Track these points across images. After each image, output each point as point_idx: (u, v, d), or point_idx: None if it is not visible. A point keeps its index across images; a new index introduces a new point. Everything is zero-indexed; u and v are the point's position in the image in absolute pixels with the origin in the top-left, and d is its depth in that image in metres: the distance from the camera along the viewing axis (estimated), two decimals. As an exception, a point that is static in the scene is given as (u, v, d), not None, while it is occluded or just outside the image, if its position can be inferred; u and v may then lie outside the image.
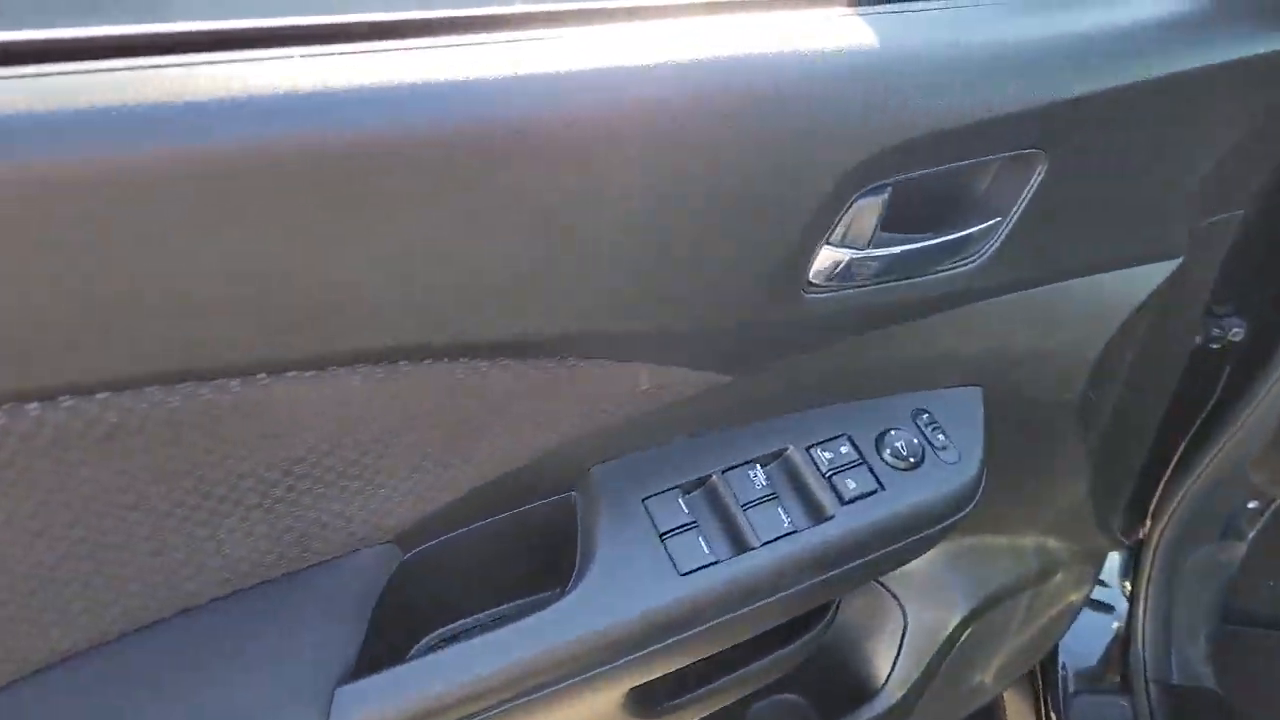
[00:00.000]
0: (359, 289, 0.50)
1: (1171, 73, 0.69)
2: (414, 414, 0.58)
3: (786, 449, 0.73)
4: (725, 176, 0.57)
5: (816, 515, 0.71)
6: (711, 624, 0.67)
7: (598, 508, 0.68)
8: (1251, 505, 1.27)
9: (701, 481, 0.71)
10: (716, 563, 0.67)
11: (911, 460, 0.74)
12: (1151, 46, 0.67)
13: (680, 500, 0.69)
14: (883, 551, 0.72)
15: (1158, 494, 1.24)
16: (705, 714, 0.85)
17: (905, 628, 1.05)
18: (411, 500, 0.62)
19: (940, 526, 0.74)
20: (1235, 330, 1.04)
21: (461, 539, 0.68)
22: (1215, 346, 1.07)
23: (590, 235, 0.55)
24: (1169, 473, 1.21)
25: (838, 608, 0.90)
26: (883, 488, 0.72)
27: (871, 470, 0.73)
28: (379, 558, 0.63)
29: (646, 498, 0.69)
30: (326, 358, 0.52)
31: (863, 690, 1.09)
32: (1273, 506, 1.28)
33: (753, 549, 0.68)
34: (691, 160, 0.55)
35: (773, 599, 0.69)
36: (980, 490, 0.76)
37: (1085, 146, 0.68)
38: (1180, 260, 0.80)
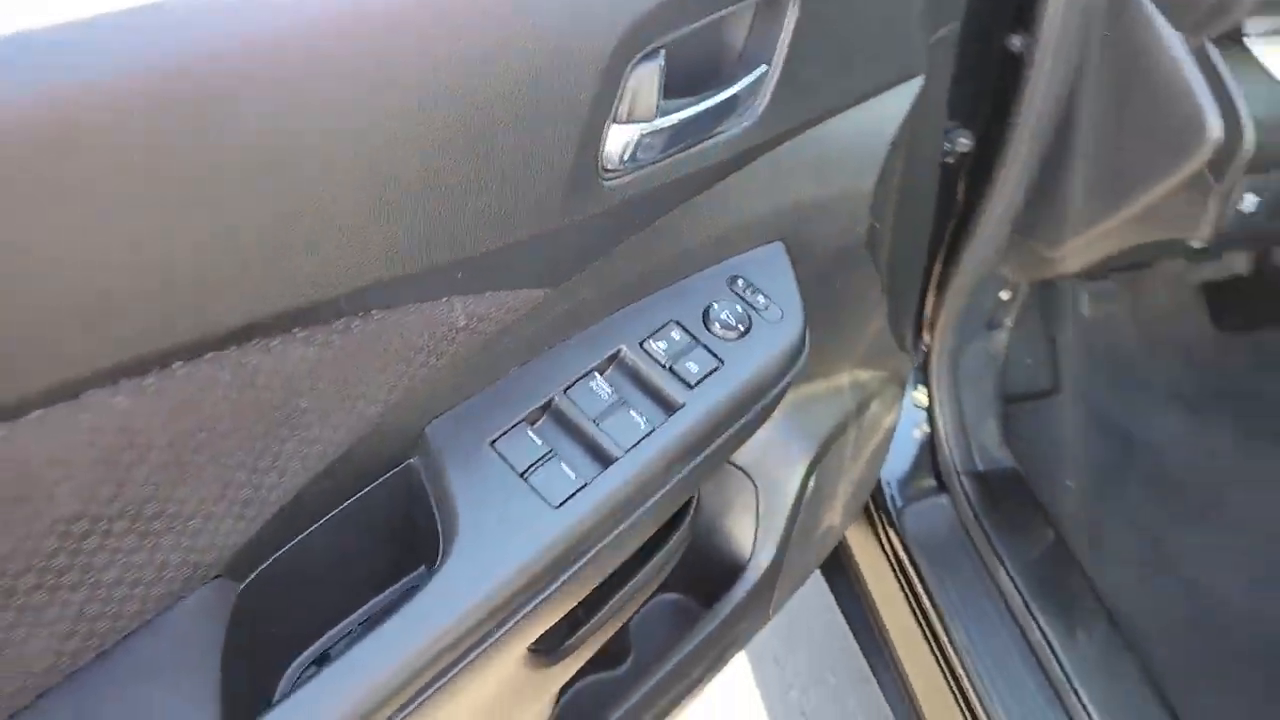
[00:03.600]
0: (96, 290, 0.41)
1: None
2: (207, 420, 0.49)
3: (620, 350, 0.70)
4: (491, 79, 0.51)
5: (669, 407, 0.68)
6: (596, 549, 0.64)
7: (443, 466, 0.62)
8: (1004, 296, 1.41)
9: (546, 407, 0.67)
10: (586, 485, 0.63)
11: (740, 328, 0.73)
12: None
13: (529, 433, 0.64)
14: (737, 425, 0.72)
15: (930, 305, 1.33)
16: (602, 642, 0.83)
17: (758, 496, 1.07)
18: (230, 522, 0.53)
19: (783, 384, 0.74)
20: (962, 142, 1.11)
21: (302, 548, 0.60)
22: (949, 160, 1.15)
23: (340, 178, 0.48)
24: (936, 282, 1.31)
25: (697, 498, 0.90)
26: (722, 362, 0.71)
27: (708, 348, 0.71)
28: (210, 599, 0.54)
29: (494, 440, 0.64)
30: (72, 385, 0.42)
31: (733, 568, 1.11)
32: (1020, 294, 1.42)
33: (617, 460, 0.65)
34: (449, 70, 0.49)
35: (648, 504, 0.67)
36: (807, 340, 0.77)
37: None
38: (923, 78, 0.83)
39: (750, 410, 0.73)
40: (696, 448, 0.69)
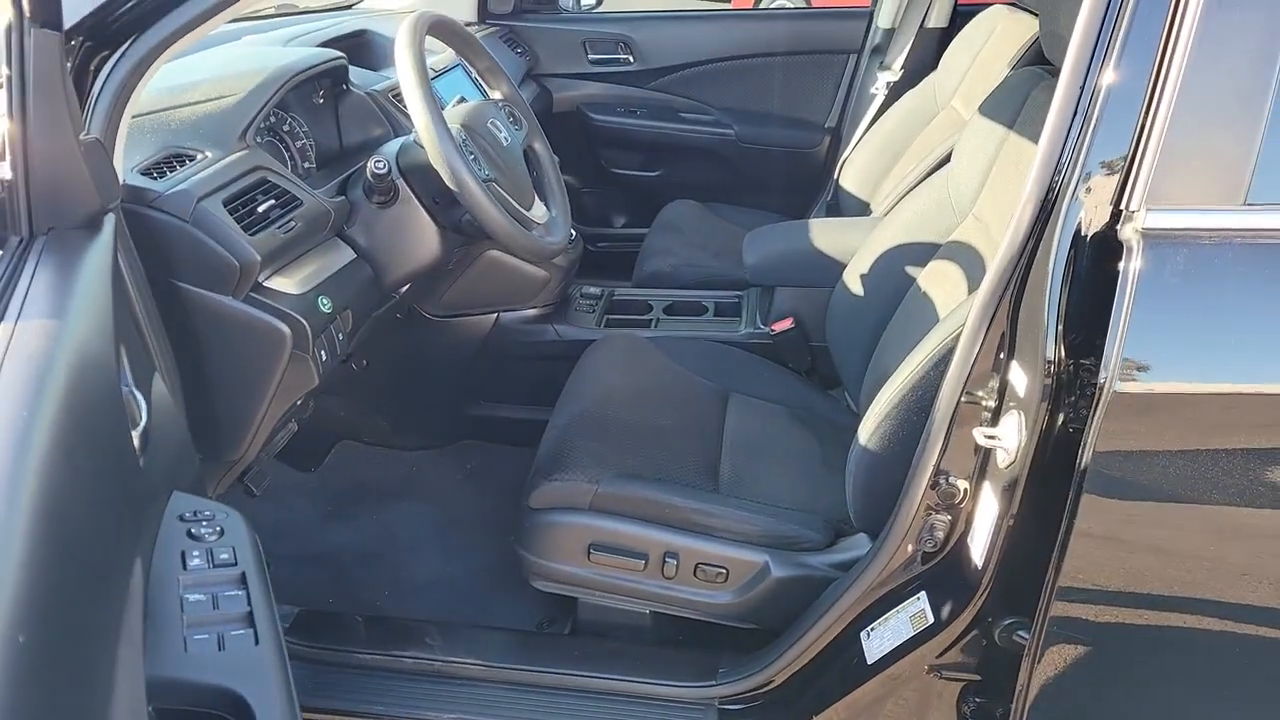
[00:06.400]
0: None
1: None
2: None
3: (179, 577, 1.01)
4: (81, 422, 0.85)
5: (239, 580, 1.04)
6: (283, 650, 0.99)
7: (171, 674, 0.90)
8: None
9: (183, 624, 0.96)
10: (255, 627, 0.97)
11: (219, 529, 1.10)
12: None
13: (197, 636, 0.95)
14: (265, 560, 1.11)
15: None
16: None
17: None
18: None
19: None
20: None
21: None
22: None
23: None
24: None
25: None
26: (234, 548, 1.08)
27: (215, 547, 1.08)
28: None
29: (185, 644, 0.93)
30: None
31: None
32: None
33: (252, 609, 1.00)
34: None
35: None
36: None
37: None
38: None
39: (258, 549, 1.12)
40: (262, 582, 1.06)
